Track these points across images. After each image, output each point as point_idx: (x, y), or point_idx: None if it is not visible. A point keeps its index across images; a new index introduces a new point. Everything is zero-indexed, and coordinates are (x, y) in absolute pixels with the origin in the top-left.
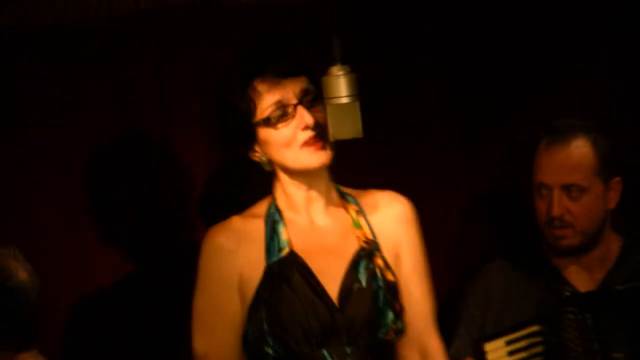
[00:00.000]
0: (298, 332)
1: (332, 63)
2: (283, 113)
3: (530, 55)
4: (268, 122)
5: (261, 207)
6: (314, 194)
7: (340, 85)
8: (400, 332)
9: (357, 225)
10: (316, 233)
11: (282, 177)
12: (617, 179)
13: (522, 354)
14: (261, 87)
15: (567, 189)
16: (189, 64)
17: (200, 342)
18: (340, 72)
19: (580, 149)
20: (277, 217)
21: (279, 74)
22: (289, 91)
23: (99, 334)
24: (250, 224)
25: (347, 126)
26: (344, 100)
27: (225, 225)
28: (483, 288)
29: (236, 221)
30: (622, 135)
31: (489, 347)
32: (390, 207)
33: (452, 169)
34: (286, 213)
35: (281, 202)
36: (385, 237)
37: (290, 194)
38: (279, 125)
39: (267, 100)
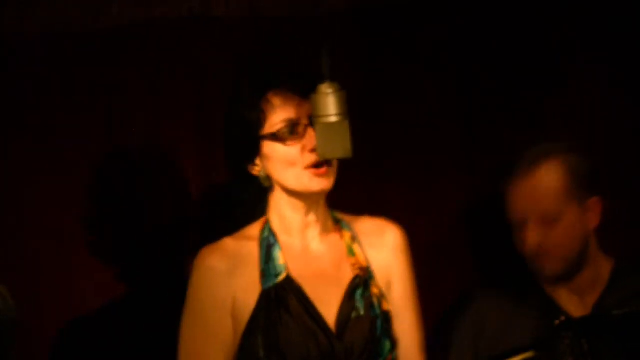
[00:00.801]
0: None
1: (321, 80)
2: (293, 131)
3: (531, 57)
4: (276, 137)
5: (254, 229)
6: (311, 218)
7: (329, 104)
8: None
9: (352, 253)
10: (311, 259)
11: (280, 197)
12: (595, 198)
13: None
14: (275, 100)
15: (540, 218)
16: (179, 78)
17: None
18: (330, 90)
19: (548, 174)
20: (272, 240)
21: (294, 91)
22: (302, 110)
23: (88, 354)
24: (244, 246)
25: (336, 146)
26: (333, 119)
27: (218, 247)
28: (475, 318)
29: (229, 243)
30: (623, 136)
31: None
32: (383, 235)
33: (447, 183)
34: (281, 236)
35: (275, 224)
36: (378, 265)
37: (286, 217)
38: (288, 143)
39: (279, 115)
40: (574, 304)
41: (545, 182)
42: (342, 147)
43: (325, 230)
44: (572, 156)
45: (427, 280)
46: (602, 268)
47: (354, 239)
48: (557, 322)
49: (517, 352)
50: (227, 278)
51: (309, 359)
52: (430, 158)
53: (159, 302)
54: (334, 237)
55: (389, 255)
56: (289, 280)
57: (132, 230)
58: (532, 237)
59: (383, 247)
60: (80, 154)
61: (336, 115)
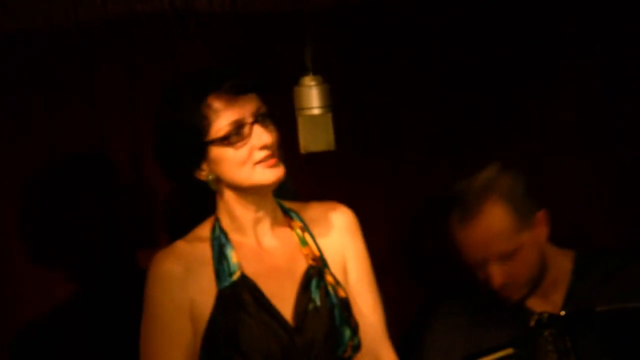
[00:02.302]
0: (257, 357)
1: (304, 73)
2: (239, 132)
3: (514, 54)
4: (225, 141)
5: (204, 230)
6: (261, 214)
7: (312, 96)
8: (358, 348)
9: (304, 243)
10: (264, 255)
11: (229, 196)
12: (540, 213)
13: None
14: (216, 104)
15: (497, 257)
16: (159, 74)
17: None
18: (313, 83)
19: (493, 218)
20: (223, 239)
21: (233, 91)
22: (245, 110)
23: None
24: (196, 248)
25: (319, 138)
26: (316, 111)
27: (172, 251)
28: (445, 331)
29: (182, 246)
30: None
31: None
32: (333, 218)
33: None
34: (232, 235)
35: (226, 223)
36: (332, 250)
37: (237, 215)
38: (237, 145)
39: (223, 119)
40: (540, 304)
41: (494, 226)
42: (325, 140)
43: (275, 224)
44: (506, 183)
45: (401, 279)
46: (562, 266)
47: (304, 228)
48: (536, 318)
49: (496, 350)
50: (183, 281)
51: (271, 355)
52: (412, 154)
53: (119, 304)
54: (285, 229)
55: (341, 238)
56: (243, 278)
57: (106, 228)
58: (496, 274)
59: (334, 230)
60: (62, 148)
61: (319, 107)
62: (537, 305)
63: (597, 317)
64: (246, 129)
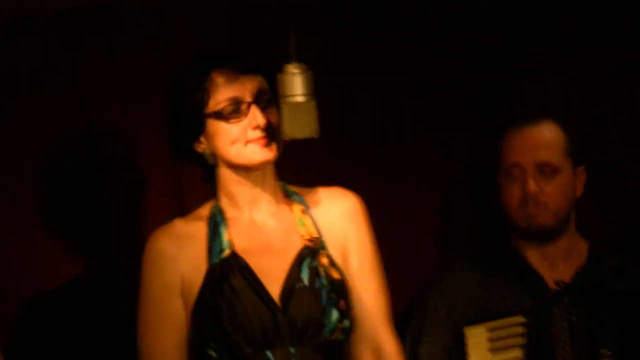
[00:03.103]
0: (239, 335)
1: (288, 61)
2: (236, 109)
3: (503, 37)
4: (220, 115)
5: (205, 209)
6: (257, 191)
7: (296, 84)
8: (348, 331)
9: (302, 224)
10: (259, 232)
11: (225, 173)
12: (582, 167)
13: (503, 343)
14: (218, 79)
15: (540, 168)
16: (149, 60)
17: (144, 347)
18: (297, 70)
19: (550, 128)
20: (219, 218)
21: (237, 70)
22: (245, 89)
23: (45, 335)
24: (192, 226)
25: (302, 125)
26: (300, 98)
27: (167, 229)
28: (449, 290)
29: (179, 224)
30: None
31: (469, 332)
32: (336, 203)
33: (421, 168)
34: (229, 212)
35: (224, 202)
36: (333, 234)
37: (233, 192)
38: (232, 121)
39: (223, 94)
40: (548, 271)
41: (548, 134)
42: (308, 127)
43: (274, 204)
44: (564, 124)
45: (403, 261)
46: (578, 243)
47: (305, 211)
48: (554, 288)
49: (506, 316)
50: (175, 259)
51: (253, 334)
52: (398, 140)
53: (124, 282)
54: (284, 209)
55: (343, 223)
56: (233, 255)
57: (98, 210)
58: (533, 182)
59: (336, 215)
60: (48, 136)
61: (303, 95)
62: (547, 272)
63: (610, 296)
64: (243, 107)
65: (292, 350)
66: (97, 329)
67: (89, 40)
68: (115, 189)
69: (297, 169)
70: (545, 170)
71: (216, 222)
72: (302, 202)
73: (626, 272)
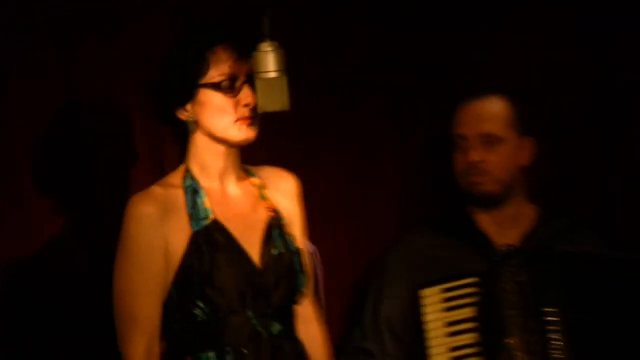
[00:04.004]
0: (225, 296)
1: (262, 39)
2: (232, 85)
3: (466, 14)
4: (217, 87)
5: (176, 177)
6: (229, 165)
7: (269, 61)
8: (304, 296)
9: (263, 197)
10: (231, 202)
11: (203, 144)
12: (531, 140)
13: (456, 303)
14: (221, 54)
15: (484, 138)
16: (132, 34)
17: (129, 306)
18: (270, 49)
19: (495, 102)
20: (195, 186)
21: (238, 50)
22: (242, 68)
23: (27, 294)
24: (171, 194)
25: (275, 99)
26: (273, 75)
27: (149, 194)
28: (408, 249)
29: (158, 190)
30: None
31: (425, 293)
32: (284, 182)
33: (380, 144)
34: (202, 181)
35: (196, 171)
36: (284, 209)
37: (207, 163)
38: (226, 95)
39: (222, 68)
40: (497, 234)
41: (492, 107)
42: (280, 101)
43: (239, 177)
44: (513, 98)
45: (367, 225)
46: (526, 208)
47: (262, 186)
48: (505, 248)
49: (460, 277)
50: (159, 222)
51: (237, 295)
52: (363, 115)
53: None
54: (247, 183)
55: (289, 200)
56: (215, 222)
57: (86, 182)
58: (475, 153)
59: (285, 193)
60: (36, 108)
61: (275, 71)
62: (496, 236)
63: (555, 257)
64: (238, 84)
65: (270, 310)
66: (82, 289)
67: (73, 15)
68: (100, 154)
69: (269, 143)
70: (489, 140)
71: (194, 190)
72: (258, 177)
73: (572, 235)
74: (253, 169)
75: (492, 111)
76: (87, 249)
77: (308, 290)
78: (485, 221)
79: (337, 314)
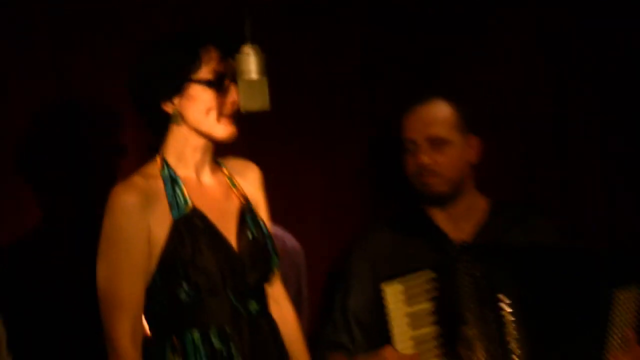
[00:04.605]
0: (206, 278)
1: (244, 42)
2: (221, 83)
3: (451, 20)
4: (208, 83)
5: (154, 167)
6: (205, 157)
7: (250, 63)
8: (274, 276)
9: (234, 186)
10: (206, 191)
11: (185, 136)
12: (477, 138)
13: (416, 296)
14: (213, 53)
15: (431, 141)
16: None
17: (116, 291)
18: (251, 51)
19: (439, 105)
20: (173, 175)
21: (227, 51)
22: (229, 69)
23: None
24: (151, 183)
25: (256, 100)
26: (254, 76)
27: (130, 184)
28: (370, 246)
29: (138, 180)
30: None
31: (386, 287)
32: (249, 172)
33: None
34: (179, 171)
35: (172, 160)
36: (250, 196)
37: (186, 155)
38: (215, 92)
39: (214, 66)
40: (452, 229)
41: (437, 111)
42: (261, 101)
43: (212, 168)
44: (457, 101)
45: (329, 221)
46: (477, 201)
47: (230, 175)
48: (459, 244)
49: (418, 271)
50: (142, 210)
51: (217, 277)
52: (333, 116)
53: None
54: (219, 173)
55: (255, 189)
56: (194, 209)
57: (74, 168)
58: (424, 157)
59: (250, 182)
60: (27, 97)
61: (256, 73)
62: (451, 231)
63: (507, 249)
64: (226, 83)
65: (248, 290)
66: (72, 276)
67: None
68: (94, 148)
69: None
70: (436, 143)
71: (172, 180)
72: (225, 167)
73: (523, 223)
74: (221, 159)
75: (437, 115)
76: (77, 236)
77: (277, 271)
78: (440, 217)
79: (313, 304)
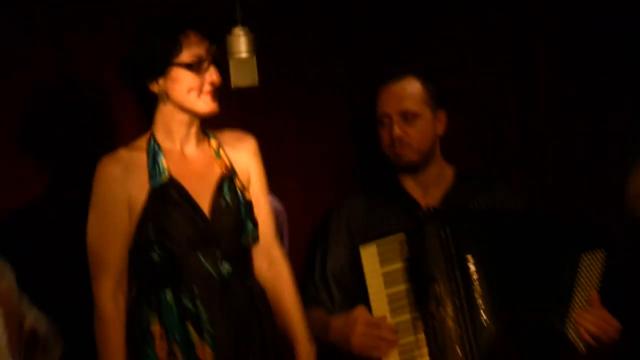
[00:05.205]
0: (178, 240)
1: (234, 24)
2: (199, 65)
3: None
4: (189, 66)
5: (142, 141)
6: (190, 131)
7: (241, 44)
8: (256, 239)
9: (218, 156)
10: (188, 162)
11: (169, 113)
12: (442, 111)
13: (389, 257)
14: (192, 38)
15: (403, 115)
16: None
17: (97, 252)
18: (241, 33)
19: (411, 82)
20: (156, 148)
21: (206, 35)
22: (208, 51)
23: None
24: (134, 154)
25: (245, 76)
26: (244, 55)
27: (114, 155)
28: (346, 212)
29: (123, 152)
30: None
31: (363, 249)
32: (242, 143)
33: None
34: (164, 144)
35: (160, 135)
36: (239, 165)
37: (172, 129)
38: (195, 73)
39: (193, 50)
40: (421, 195)
41: (408, 87)
42: (250, 78)
43: (198, 141)
44: (426, 76)
45: (308, 189)
46: (445, 169)
47: (219, 146)
48: (426, 209)
49: (391, 234)
50: (123, 180)
51: (188, 239)
52: (316, 92)
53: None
54: (205, 145)
55: (247, 158)
56: (171, 179)
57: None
58: (396, 129)
59: (242, 151)
60: (28, 76)
61: (246, 52)
62: (420, 197)
63: (471, 213)
64: (204, 65)
65: (218, 252)
66: (71, 241)
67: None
68: (86, 119)
69: (235, 111)
70: (408, 117)
71: (155, 152)
72: (216, 139)
73: (486, 189)
74: (214, 132)
75: (410, 91)
76: (71, 204)
77: (267, 234)
78: (410, 184)
79: (295, 263)
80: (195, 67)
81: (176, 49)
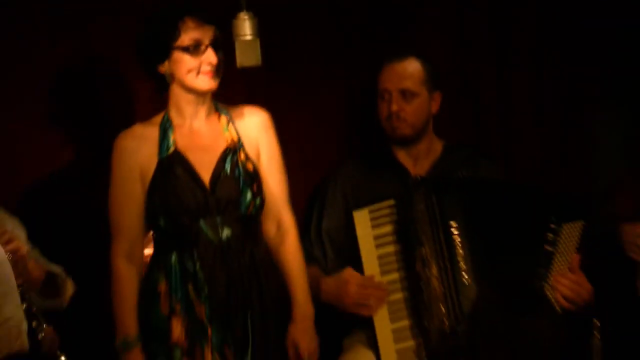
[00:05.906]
0: (181, 209)
1: (240, 9)
2: (197, 48)
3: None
4: (186, 49)
5: (158, 117)
6: (199, 107)
7: (246, 27)
8: (259, 208)
9: (226, 130)
10: (195, 136)
11: (178, 92)
12: (438, 92)
13: (380, 220)
14: (189, 23)
15: (402, 92)
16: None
17: (115, 218)
18: (246, 17)
19: (412, 63)
20: (167, 124)
21: (202, 20)
22: (206, 35)
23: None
24: (148, 129)
25: (250, 57)
26: (249, 37)
27: (129, 132)
28: (342, 177)
29: (138, 127)
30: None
31: (356, 214)
32: (253, 117)
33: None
34: (175, 120)
35: (172, 112)
36: (249, 138)
37: (181, 106)
38: (193, 56)
39: (191, 35)
40: (412, 165)
41: (409, 67)
42: (254, 58)
43: (208, 116)
44: (422, 59)
45: (307, 160)
46: (435, 143)
47: (229, 121)
48: (414, 177)
49: (381, 200)
50: (135, 153)
51: (190, 208)
52: (313, 66)
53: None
54: (214, 120)
55: (258, 131)
56: (176, 152)
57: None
58: (395, 105)
59: (253, 125)
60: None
61: (250, 35)
62: (411, 167)
63: (456, 182)
64: (202, 48)
65: (218, 219)
66: (90, 212)
67: None
68: (109, 97)
69: (248, 90)
70: (406, 94)
71: (165, 127)
72: (228, 114)
73: (471, 162)
74: (228, 108)
75: (410, 70)
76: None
77: (277, 200)
78: (402, 155)
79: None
80: (192, 49)
81: (175, 34)
